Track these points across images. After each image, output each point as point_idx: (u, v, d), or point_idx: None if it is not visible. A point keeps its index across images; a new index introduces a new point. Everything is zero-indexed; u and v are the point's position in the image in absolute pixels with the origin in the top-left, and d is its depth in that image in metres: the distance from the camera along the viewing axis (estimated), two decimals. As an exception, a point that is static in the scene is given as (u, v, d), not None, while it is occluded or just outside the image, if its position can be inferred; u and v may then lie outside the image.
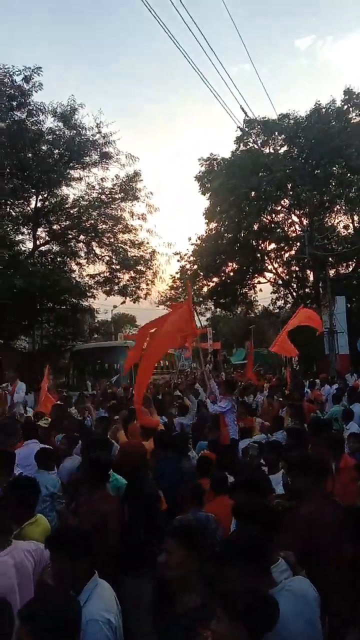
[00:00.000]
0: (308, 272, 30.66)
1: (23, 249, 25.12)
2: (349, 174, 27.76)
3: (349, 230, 29.92)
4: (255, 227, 30.74)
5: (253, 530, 2.54)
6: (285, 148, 31.39)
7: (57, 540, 2.75)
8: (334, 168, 28.74)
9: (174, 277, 34.65)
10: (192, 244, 33.11)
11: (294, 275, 32.72)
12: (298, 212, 30.95)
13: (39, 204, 26.19)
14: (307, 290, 31.99)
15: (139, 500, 4.42)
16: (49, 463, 5.54)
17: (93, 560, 2.69)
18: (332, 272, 27.74)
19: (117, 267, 28.08)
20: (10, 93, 23.33)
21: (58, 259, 27.05)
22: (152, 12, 8.46)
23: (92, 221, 26.80)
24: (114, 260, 27.96)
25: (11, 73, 23.04)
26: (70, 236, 27.24)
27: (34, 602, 2.14)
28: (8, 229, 23.67)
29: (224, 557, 2.48)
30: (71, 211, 26.73)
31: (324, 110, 29.97)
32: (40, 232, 26.92)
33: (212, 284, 33.41)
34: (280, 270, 33.05)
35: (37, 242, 26.45)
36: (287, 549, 2.90)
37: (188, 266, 33.15)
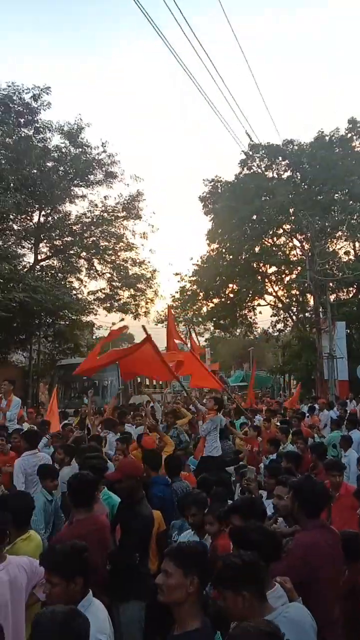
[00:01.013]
0: (308, 296, 30.74)
1: (24, 263, 25.27)
2: (351, 201, 28.03)
3: (350, 257, 30.10)
4: (257, 249, 30.93)
5: (250, 554, 2.49)
6: (288, 173, 31.76)
7: (51, 558, 2.70)
8: (337, 195, 29.02)
9: (174, 296, 34.79)
10: (193, 264, 33.35)
11: (294, 299, 32.80)
12: (299, 237, 31.15)
13: (41, 219, 26.41)
14: (307, 314, 32.02)
15: (133, 521, 4.33)
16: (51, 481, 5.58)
17: (88, 579, 2.64)
18: (332, 297, 27.78)
19: (118, 284, 28.23)
20: (19, 110, 23.73)
21: (59, 275, 27.17)
22: (161, 37, 8.65)
23: (94, 238, 27.02)
24: (114, 278, 28.13)
25: (20, 91, 23.49)
26: (71, 252, 27.40)
27: (41, 615, 2.10)
28: (10, 242, 23.81)
29: (221, 581, 2.44)
30: (73, 228, 26.94)
31: (327, 138, 30.41)
32: (42, 247, 27.12)
33: (212, 305, 33.47)
34: (280, 293, 33.15)
35: (39, 257, 26.60)
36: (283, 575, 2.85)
37: (188, 286, 33.28)
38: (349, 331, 27.89)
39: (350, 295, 30.35)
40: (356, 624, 3.43)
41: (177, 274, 33.35)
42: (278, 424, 10.80)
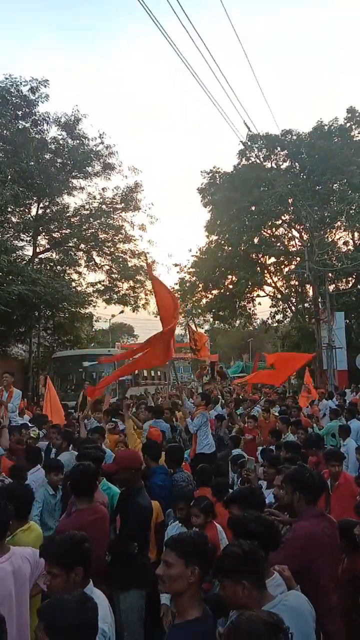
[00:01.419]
0: (307, 287, 30.73)
1: (23, 255, 25.20)
2: (350, 191, 27.93)
3: (349, 247, 30.04)
4: (256, 240, 30.85)
5: (249, 543, 2.51)
6: (287, 163, 31.64)
7: (50, 549, 2.71)
8: (335, 185, 28.93)
9: (173, 288, 34.75)
10: (192, 256, 33.30)
11: (293, 290, 32.77)
12: (298, 227, 31.07)
13: (39, 212, 26.31)
14: (306, 305, 32.01)
15: (132, 511, 4.35)
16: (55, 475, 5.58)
17: (88, 569, 2.66)
18: (331, 287, 27.77)
19: (117, 276, 28.20)
20: (16, 102, 23.63)
21: (58, 267, 27.13)
22: (160, 29, 8.56)
23: (93, 230, 26.93)
24: (113, 270, 28.09)
25: (18, 83, 23.38)
26: (70, 244, 27.34)
27: (53, 601, 2.11)
28: (8, 235, 23.75)
29: (220, 570, 2.45)
30: (72, 220, 26.85)
31: (326, 127, 30.26)
32: (40, 239, 27.04)
33: (211, 296, 33.45)
34: (279, 284, 33.11)
35: (37, 250, 26.53)
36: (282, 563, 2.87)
37: (187, 277, 33.25)
38: (347, 321, 27.94)
39: (349, 286, 30.32)
40: (355, 613, 3.46)
41: (176, 265, 33.32)
42: (277, 414, 10.86)
